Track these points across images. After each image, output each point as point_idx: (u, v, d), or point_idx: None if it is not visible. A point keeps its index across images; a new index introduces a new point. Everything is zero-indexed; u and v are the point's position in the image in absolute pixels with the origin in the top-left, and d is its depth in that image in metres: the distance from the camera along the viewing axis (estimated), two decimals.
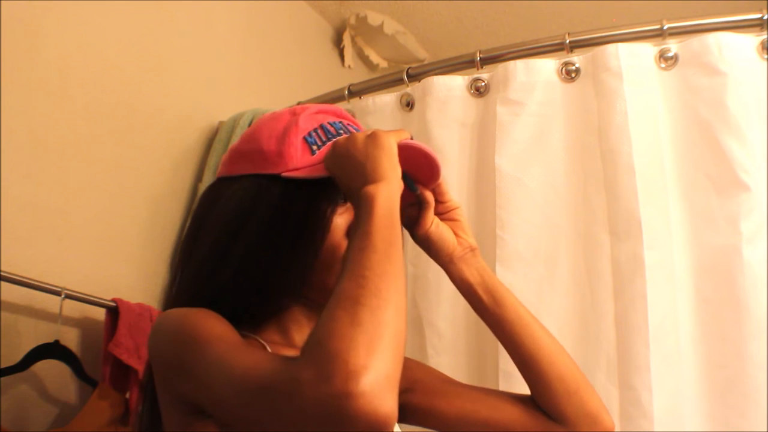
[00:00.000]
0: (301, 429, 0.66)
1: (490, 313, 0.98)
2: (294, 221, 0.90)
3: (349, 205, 0.93)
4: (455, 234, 0.99)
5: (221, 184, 0.97)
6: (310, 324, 0.94)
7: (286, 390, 0.66)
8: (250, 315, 0.92)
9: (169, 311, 0.88)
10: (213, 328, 0.81)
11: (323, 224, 0.90)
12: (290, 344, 0.93)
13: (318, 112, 0.99)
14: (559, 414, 0.97)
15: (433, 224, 0.97)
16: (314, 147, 0.93)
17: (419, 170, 0.95)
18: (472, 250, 0.99)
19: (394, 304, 0.70)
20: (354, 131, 0.97)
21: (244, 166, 0.94)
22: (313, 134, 0.94)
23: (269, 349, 0.89)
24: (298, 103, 1.76)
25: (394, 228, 0.79)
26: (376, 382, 0.64)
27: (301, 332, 0.94)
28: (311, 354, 0.66)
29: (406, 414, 1.02)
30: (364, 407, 0.63)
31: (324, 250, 0.90)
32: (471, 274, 0.98)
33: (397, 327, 0.69)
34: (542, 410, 0.98)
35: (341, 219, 0.92)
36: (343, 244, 0.91)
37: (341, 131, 0.96)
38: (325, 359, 0.65)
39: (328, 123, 0.97)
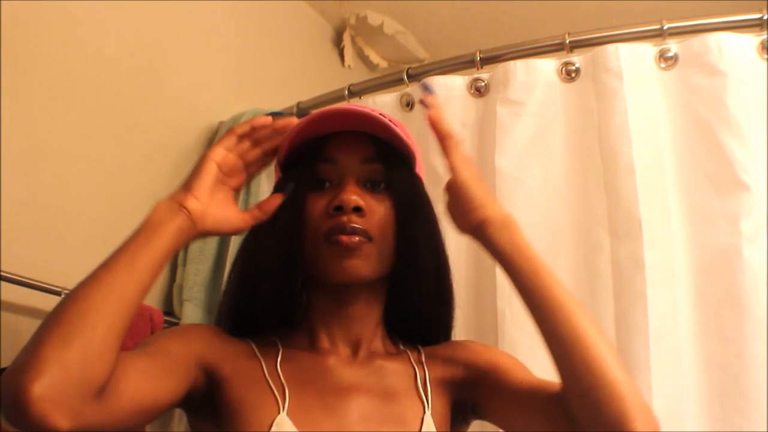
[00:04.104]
0: None
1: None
2: (282, 206, 0.93)
3: (330, 189, 0.94)
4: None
5: None
6: (334, 318, 0.95)
7: None
8: (273, 316, 0.95)
9: None
10: (152, 340, 0.92)
11: (297, 206, 0.93)
12: (315, 348, 0.94)
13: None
14: (572, 415, 0.80)
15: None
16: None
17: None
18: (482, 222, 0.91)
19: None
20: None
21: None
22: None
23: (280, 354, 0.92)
24: (298, 104, 1.77)
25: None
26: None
27: (328, 332, 0.95)
28: None
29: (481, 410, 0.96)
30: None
31: (305, 234, 0.92)
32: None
33: None
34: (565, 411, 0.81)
35: (318, 203, 0.93)
36: (318, 228, 0.92)
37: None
38: None
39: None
